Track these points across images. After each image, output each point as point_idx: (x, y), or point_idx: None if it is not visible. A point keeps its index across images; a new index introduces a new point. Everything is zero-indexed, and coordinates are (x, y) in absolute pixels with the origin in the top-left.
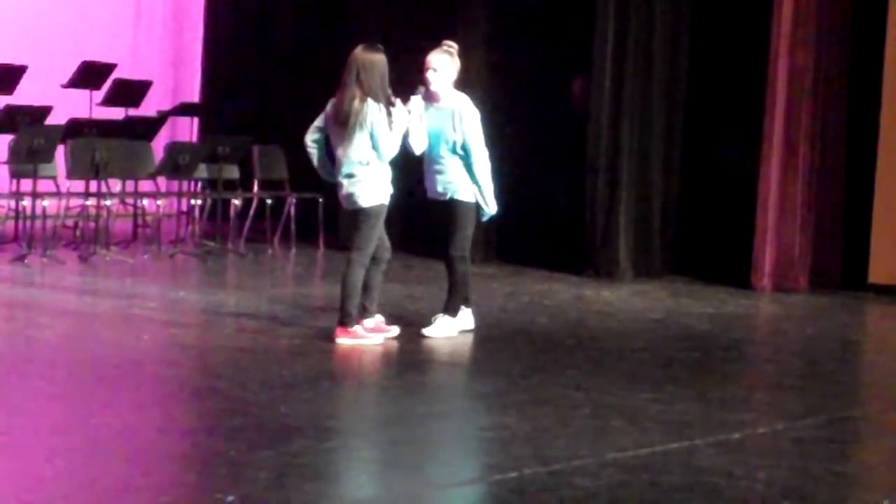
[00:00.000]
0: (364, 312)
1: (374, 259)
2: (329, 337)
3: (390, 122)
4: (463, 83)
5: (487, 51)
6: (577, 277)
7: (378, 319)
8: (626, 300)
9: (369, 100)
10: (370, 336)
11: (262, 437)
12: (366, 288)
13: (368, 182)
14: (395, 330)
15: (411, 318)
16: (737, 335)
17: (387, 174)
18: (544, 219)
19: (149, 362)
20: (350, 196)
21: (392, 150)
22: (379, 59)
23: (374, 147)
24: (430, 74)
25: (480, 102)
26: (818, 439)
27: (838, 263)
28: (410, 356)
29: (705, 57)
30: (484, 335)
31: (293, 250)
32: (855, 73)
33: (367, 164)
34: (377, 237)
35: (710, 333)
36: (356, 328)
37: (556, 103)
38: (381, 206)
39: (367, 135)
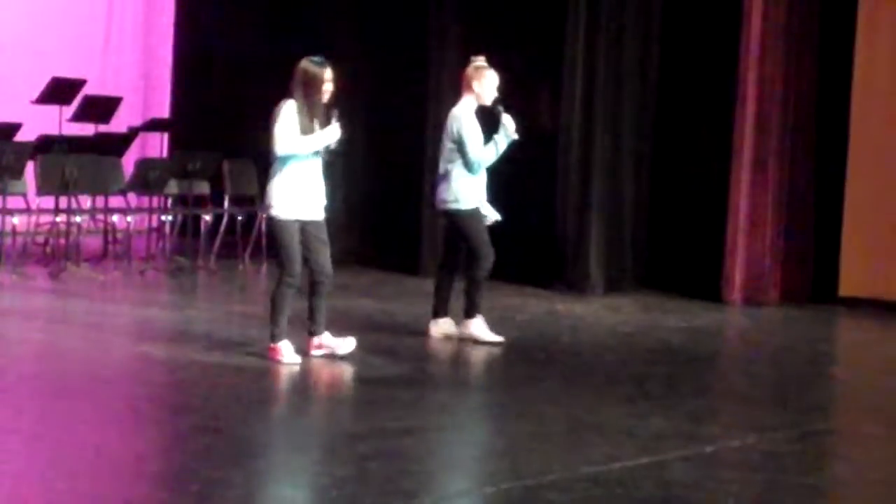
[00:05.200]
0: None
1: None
2: (302, 352)
3: None
4: (435, 96)
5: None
6: (549, 292)
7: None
8: (598, 314)
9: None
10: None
11: (233, 454)
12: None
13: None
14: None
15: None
16: (708, 349)
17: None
18: (515, 233)
19: (119, 379)
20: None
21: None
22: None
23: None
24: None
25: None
26: (790, 452)
27: (808, 276)
28: (383, 372)
29: (675, 71)
30: (456, 350)
31: (264, 266)
32: (824, 87)
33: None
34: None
35: (681, 347)
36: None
37: (525, 117)
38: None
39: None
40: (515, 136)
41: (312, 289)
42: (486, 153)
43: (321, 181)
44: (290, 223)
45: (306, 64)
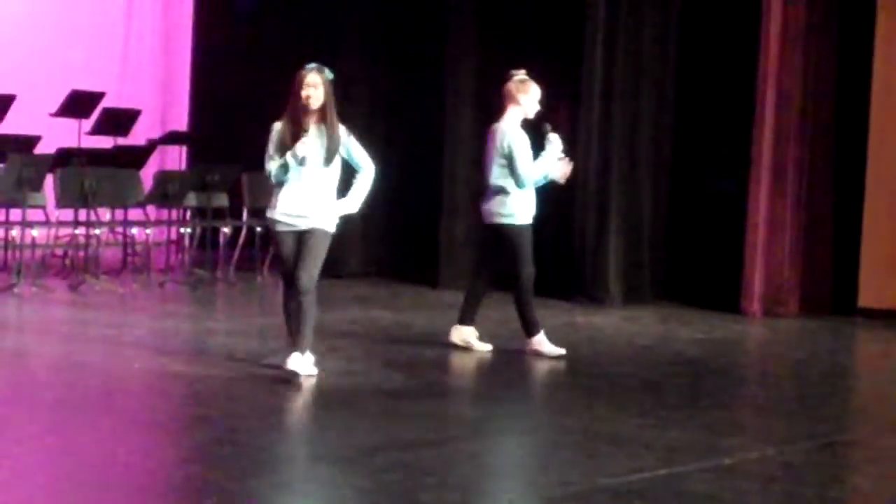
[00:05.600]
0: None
1: None
2: (317, 364)
3: None
4: (453, 108)
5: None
6: (568, 303)
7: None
8: (617, 326)
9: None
10: None
11: (253, 465)
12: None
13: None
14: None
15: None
16: (727, 360)
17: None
18: (533, 244)
19: (139, 391)
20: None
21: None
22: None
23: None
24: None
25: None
26: (809, 464)
27: (828, 288)
28: (401, 384)
29: (693, 82)
30: (473, 361)
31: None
32: (842, 98)
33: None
34: None
35: (700, 359)
36: None
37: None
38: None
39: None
40: (561, 156)
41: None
42: (534, 170)
43: (322, 192)
44: (278, 233)
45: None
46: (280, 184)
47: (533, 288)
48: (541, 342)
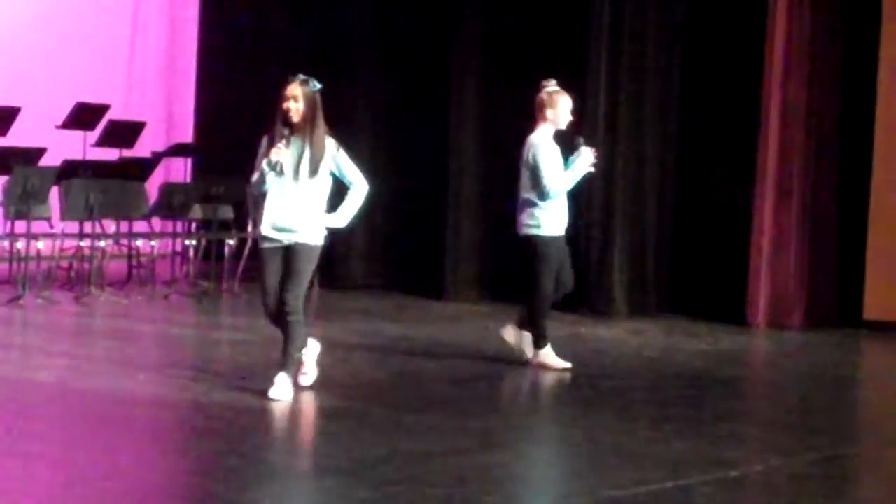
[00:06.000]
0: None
1: None
2: (322, 377)
3: None
4: (458, 120)
5: (482, 90)
6: (572, 315)
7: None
8: (621, 338)
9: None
10: None
11: (257, 477)
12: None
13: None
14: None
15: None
16: (732, 372)
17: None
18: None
19: (144, 403)
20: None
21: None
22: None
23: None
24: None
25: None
26: (814, 476)
27: (833, 300)
28: (404, 396)
29: (698, 93)
30: (479, 373)
31: None
32: (847, 110)
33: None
34: None
35: (705, 371)
36: None
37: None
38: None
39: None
40: (592, 170)
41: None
42: (562, 182)
43: (307, 205)
44: (263, 252)
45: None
46: (263, 195)
47: (550, 303)
48: (547, 355)
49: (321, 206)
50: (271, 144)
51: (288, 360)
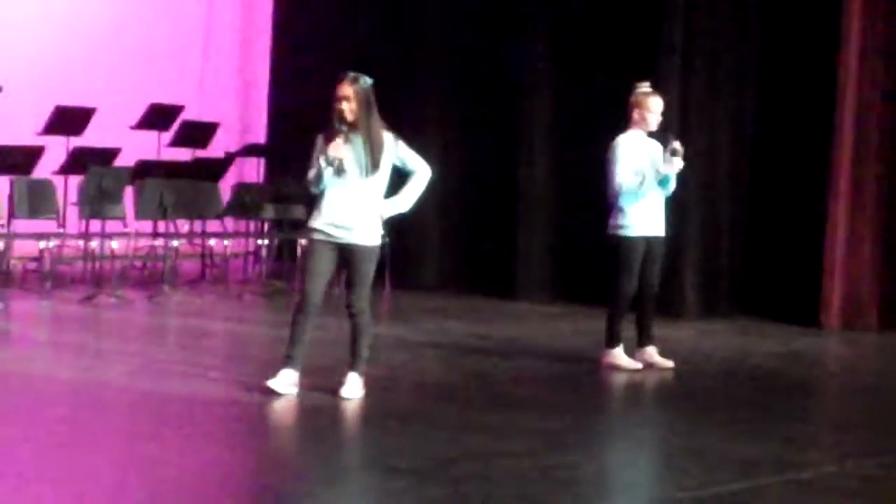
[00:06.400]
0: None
1: None
2: (394, 375)
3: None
4: (528, 117)
5: (549, 86)
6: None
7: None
8: (693, 339)
9: None
10: None
11: (328, 476)
12: None
13: None
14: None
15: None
16: (805, 374)
17: None
18: (608, 256)
19: (215, 402)
20: None
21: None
22: None
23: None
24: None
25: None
26: (888, 479)
27: None
28: (474, 396)
29: (772, 91)
30: (550, 373)
31: None
32: None
33: None
34: None
35: (777, 372)
36: None
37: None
38: None
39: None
40: (680, 167)
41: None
42: (632, 184)
43: (365, 204)
44: (315, 242)
45: None
46: (319, 193)
47: (628, 303)
48: (618, 355)
49: (378, 204)
50: (327, 142)
51: (357, 360)
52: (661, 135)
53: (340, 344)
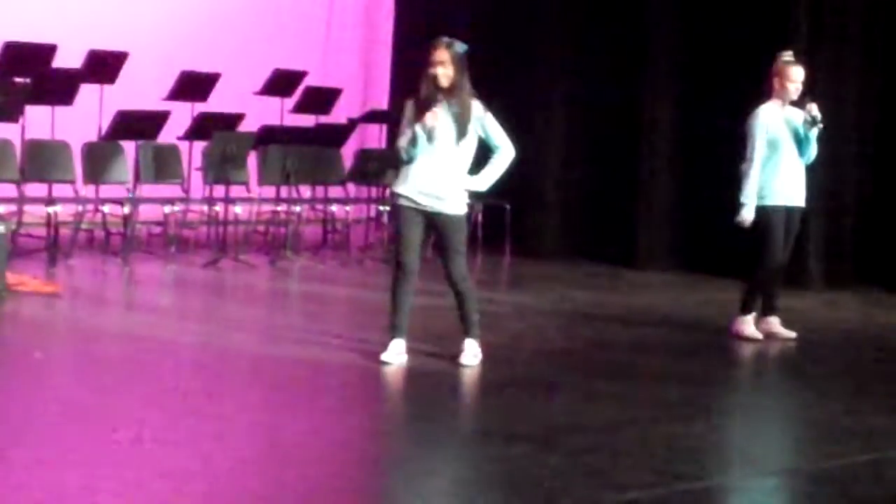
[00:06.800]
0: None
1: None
2: (515, 343)
3: None
4: (651, 90)
5: (677, 54)
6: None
7: None
8: (817, 310)
9: None
10: None
11: (447, 442)
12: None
13: None
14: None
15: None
16: None
17: None
18: (733, 227)
19: (335, 367)
20: None
21: None
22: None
23: None
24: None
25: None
26: None
27: None
28: (595, 364)
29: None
30: (671, 342)
31: (479, 257)
32: None
33: None
34: None
35: None
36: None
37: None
38: None
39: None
40: (820, 125)
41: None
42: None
43: (452, 171)
44: (402, 209)
45: None
46: (410, 160)
47: (774, 275)
48: (747, 322)
49: (465, 173)
50: (419, 109)
51: (470, 326)
52: (800, 102)
53: (452, 309)
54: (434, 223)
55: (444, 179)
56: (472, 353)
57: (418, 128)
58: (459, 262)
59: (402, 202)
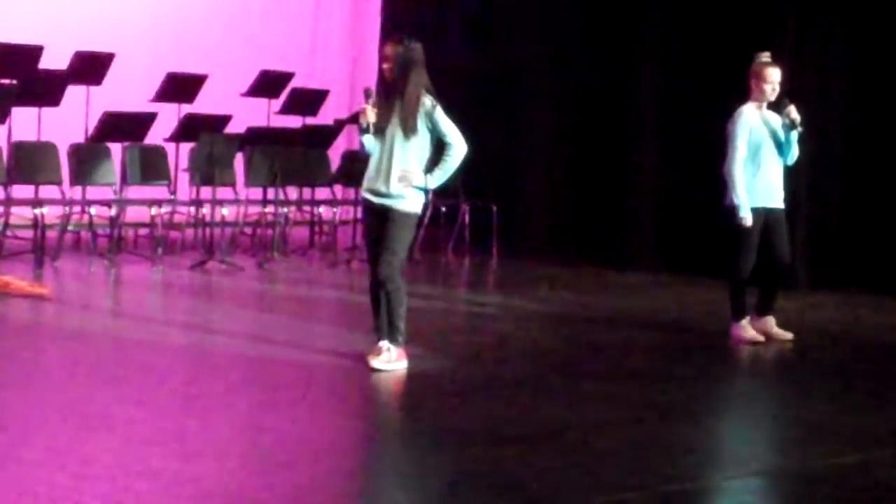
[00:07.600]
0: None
1: None
2: (501, 344)
3: None
4: (635, 95)
5: (664, 55)
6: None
7: None
8: (802, 311)
9: None
10: None
11: (435, 443)
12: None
13: None
14: None
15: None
16: None
17: None
18: (716, 228)
19: (323, 368)
20: None
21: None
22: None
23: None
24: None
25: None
26: None
27: None
28: (583, 365)
29: (886, 61)
30: (659, 343)
31: (466, 258)
32: None
33: None
34: None
35: (889, 344)
36: None
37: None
38: None
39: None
40: (799, 129)
41: None
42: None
43: (402, 168)
44: (364, 207)
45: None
46: (366, 156)
47: (747, 275)
48: (745, 327)
49: (418, 170)
50: (376, 107)
51: (393, 330)
52: (779, 103)
53: (450, 313)
54: (382, 218)
55: (393, 176)
56: (385, 358)
57: (361, 122)
58: (392, 261)
59: (363, 199)
